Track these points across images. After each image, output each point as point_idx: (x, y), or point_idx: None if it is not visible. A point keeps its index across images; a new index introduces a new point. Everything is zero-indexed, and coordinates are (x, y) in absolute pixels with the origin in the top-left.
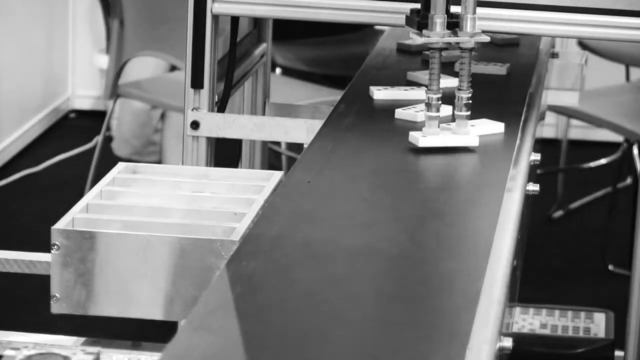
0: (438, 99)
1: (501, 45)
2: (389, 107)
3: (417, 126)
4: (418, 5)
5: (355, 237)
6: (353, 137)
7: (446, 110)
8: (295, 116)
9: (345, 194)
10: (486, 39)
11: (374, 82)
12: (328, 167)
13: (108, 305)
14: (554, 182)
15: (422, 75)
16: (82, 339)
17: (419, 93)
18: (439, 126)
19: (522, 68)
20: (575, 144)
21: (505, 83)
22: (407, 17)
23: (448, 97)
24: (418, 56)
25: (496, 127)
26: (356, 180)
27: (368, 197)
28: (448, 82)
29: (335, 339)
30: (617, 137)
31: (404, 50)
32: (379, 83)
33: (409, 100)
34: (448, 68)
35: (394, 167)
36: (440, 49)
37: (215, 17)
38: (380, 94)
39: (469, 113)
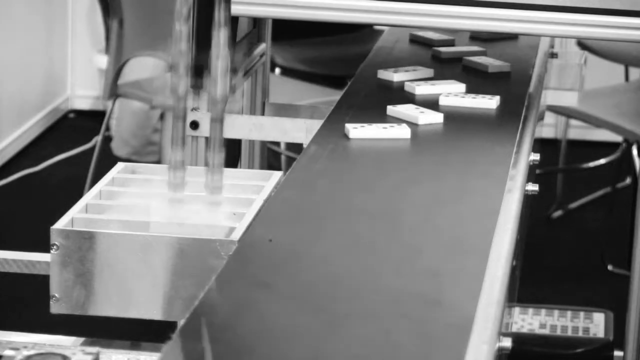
0: None
1: (492, 74)
2: (366, 149)
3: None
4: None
5: (319, 311)
6: (323, 185)
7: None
8: (295, 116)
9: (311, 255)
10: None
11: (350, 117)
12: (293, 221)
13: (107, 305)
14: (553, 182)
15: (403, 110)
16: (82, 339)
17: (399, 131)
18: None
19: (514, 101)
20: (575, 144)
21: (495, 119)
22: None
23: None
24: (400, 92)
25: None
26: (324, 237)
27: (335, 255)
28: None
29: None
30: (616, 137)
31: (384, 82)
32: (356, 119)
33: (388, 139)
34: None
35: (369, 221)
36: None
37: None
38: (356, 132)
39: None
